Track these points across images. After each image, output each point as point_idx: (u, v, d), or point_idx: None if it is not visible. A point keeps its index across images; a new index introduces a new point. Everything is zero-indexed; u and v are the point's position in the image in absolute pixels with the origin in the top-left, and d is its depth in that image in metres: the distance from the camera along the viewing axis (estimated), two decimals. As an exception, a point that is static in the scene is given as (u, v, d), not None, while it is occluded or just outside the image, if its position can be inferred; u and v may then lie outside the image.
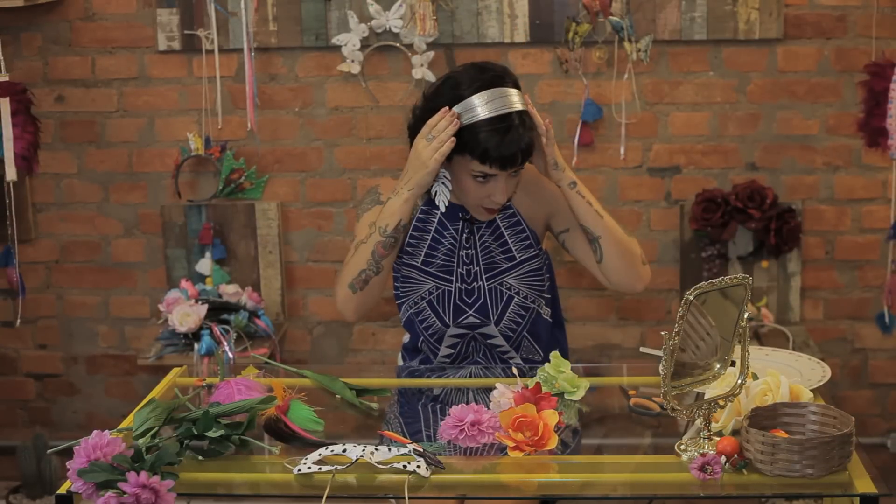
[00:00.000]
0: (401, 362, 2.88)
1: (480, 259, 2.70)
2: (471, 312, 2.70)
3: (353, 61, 3.77)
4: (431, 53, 3.73)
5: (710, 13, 3.68)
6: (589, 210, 2.62)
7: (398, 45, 3.75)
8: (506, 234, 2.70)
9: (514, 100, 2.51)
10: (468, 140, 2.49)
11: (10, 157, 3.54)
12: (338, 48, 3.77)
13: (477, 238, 2.69)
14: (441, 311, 2.70)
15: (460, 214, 2.68)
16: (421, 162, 2.52)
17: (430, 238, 2.69)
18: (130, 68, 3.86)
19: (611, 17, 3.64)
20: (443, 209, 2.65)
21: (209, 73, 3.79)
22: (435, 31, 3.67)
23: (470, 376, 2.61)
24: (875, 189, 3.81)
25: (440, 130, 2.49)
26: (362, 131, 3.85)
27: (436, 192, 2.64)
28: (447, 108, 2.50)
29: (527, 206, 2.72)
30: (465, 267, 2.70)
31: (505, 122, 2.48)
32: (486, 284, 2.69)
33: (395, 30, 3.73)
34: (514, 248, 2.71)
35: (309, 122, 3.87)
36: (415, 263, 2.70)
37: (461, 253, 2.70)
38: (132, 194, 3.95)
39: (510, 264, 2.70)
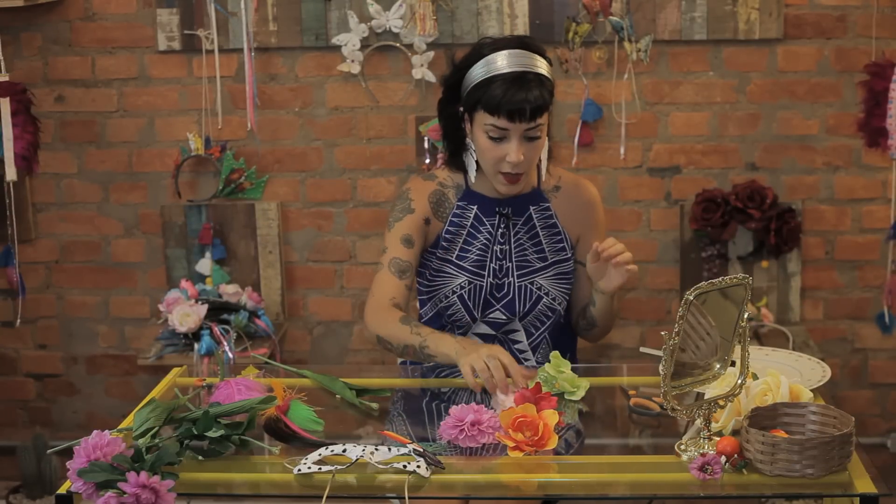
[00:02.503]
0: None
1: (514, 256, 2.71)
2: (498, 307, 2.71)
3: (353, 61, 3.76)
4: (431, 53, 3.73)
5: (710, 13, 3.68)
6: (608, 310, 2.70)
7: (398, 45, 3.75)
8: (541, 233, 2.72)
9: (538, 63, 2.54)
10: (483, 93, 2.54)
11: (10, 157, 3.54)
12: (338, 48, 3.77)
13: (512, 234, 2.71)
14: (471, 306, 2.71)
15: (497, 209, 2.70)
16: (477, 353, 2.40)
17: (465, 233, 2.70)
18: (130, 68, 3.86)
19: (611, 17, 3.64)
20: (472, 177, 2.67)
21: (209, 73, 3.79)
22: (435, 31, 3.67)
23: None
24: (875, 189, 3.81)
25: (496, 372, 2.36)
26: (362, 131, 3.85)
27: (466, 161, 2.70)
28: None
29: (566, 215, 2.74)
30: (497, 262, 2.71)
31: (520, 78, 2.51)
32: (516, 281, 2.70)
33: (395, 30, 3.73)
34: (547, 249, 2.72)
35: (309, 122, 3.86)
36: (450, 258, 2.71)
37: (495, 248, 2.71)
38: (132, 194, 3.95)
39: (542, 264, 2.72)
